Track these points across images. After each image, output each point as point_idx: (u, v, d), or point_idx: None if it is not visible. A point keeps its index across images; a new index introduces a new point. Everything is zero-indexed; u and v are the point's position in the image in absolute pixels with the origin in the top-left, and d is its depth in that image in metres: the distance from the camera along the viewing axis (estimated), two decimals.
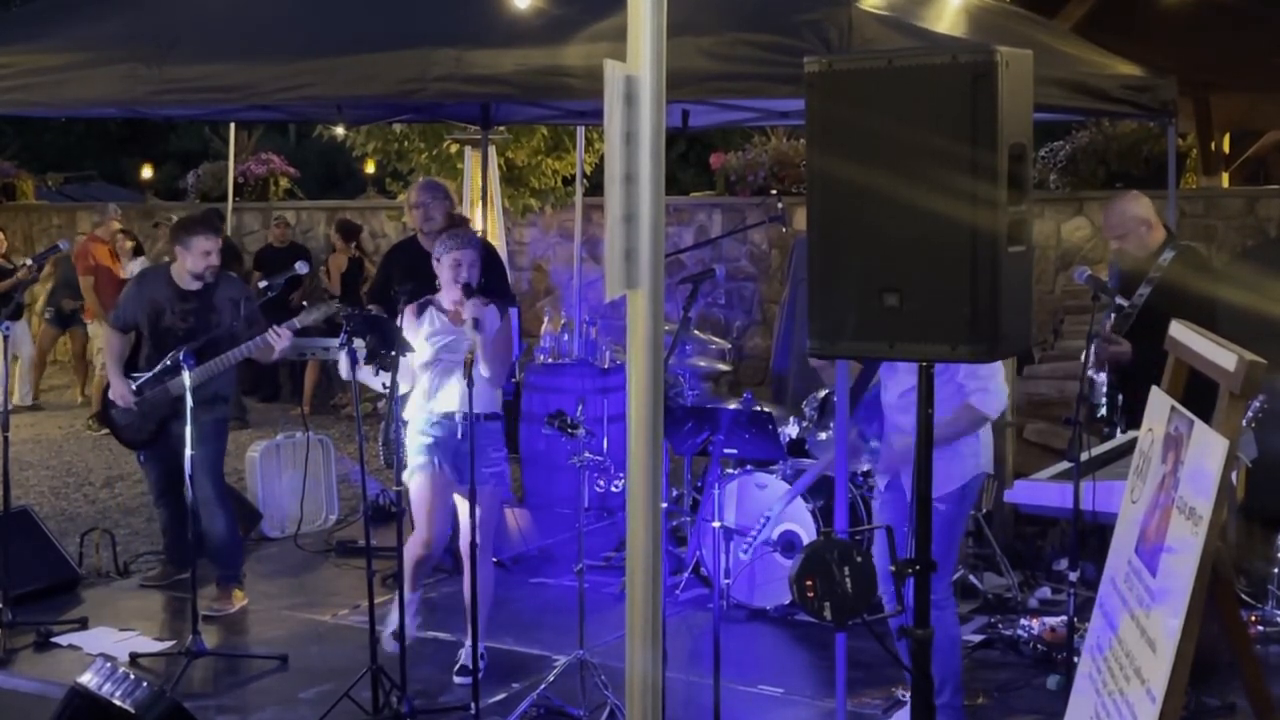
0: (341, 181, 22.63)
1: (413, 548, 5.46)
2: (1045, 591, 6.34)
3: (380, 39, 5.51)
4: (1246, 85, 11.76)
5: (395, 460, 5.07)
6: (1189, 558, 2.97)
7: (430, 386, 5.35)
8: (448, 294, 5.39)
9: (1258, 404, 5.20)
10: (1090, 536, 5.79)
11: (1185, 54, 9.50)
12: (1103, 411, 6.01)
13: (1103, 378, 5.67)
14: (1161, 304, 5.23)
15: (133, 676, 4.15)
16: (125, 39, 5.93)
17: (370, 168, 17.79)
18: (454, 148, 11.08)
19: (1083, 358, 5.39)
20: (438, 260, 5.39)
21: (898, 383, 4.72)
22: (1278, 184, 14.07)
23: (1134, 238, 5.56)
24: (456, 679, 5.39)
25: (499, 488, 5.47)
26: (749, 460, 6.30)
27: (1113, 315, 5.61)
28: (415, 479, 5.39)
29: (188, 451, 5.58)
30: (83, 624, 6.15)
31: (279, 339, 5.98)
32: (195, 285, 6.24)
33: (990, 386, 4.54)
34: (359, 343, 5.03)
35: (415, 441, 5.38)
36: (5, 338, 5.98)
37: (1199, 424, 3.15)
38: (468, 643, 5.38)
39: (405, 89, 5.51)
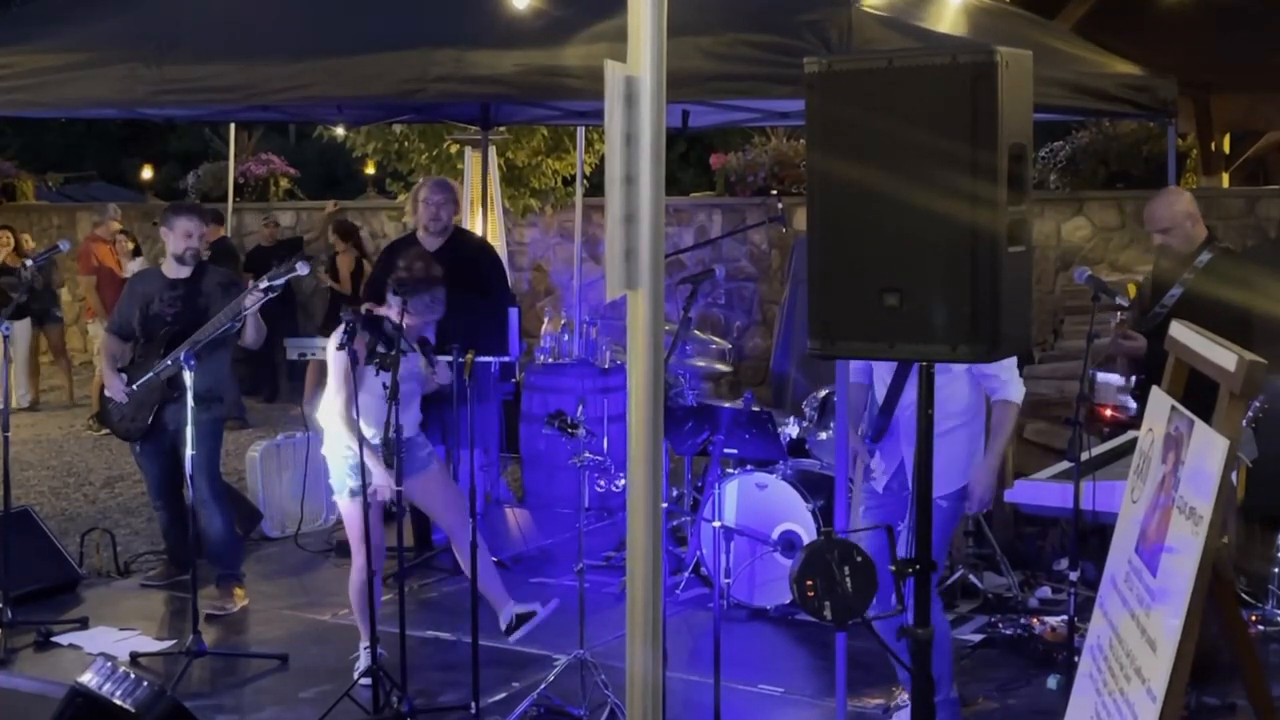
0: (341, 181, 22.65)
1: (355, 577, 5.34)
2: (1045, 591, 6.34)
3: (380, 39, 5.51)
4: (1246, 85, 11.76)
5: (396, 460, 5.06)
6: (1189, 558, 2.97)
7: (381, 412, 5.02)
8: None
9: (1258, 404, 5.20)
10: (1090, 536, 5.79)
11: (1185, 54, 9.51)
12: (1133, 408, 6.02)
13: (1116, 378, 5.67)
14: (1193, 306, 5.18)
15: (133, 676, 4.15)
16: (125, 39, 5.93)
17: (370, 168, 17.81)
18: (454, 148, 11.08)
19: (1113, 358, 5.40)
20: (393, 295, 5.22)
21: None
22: (1278, 184, 14.08)
23: (1180, 231, 5.50)
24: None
25: (439, 464, 5.53)
26: (749, 460, 6.30)
27: (1119, 315, 5.58)
28: (348, 505, 5.27)
29: (188, 452, 5.59)
30: (83, 624, 6.15)
31: (252, 295, 5.87)
32: (183, 273, 6.30)
33: (1008, 378, 4.72)
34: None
35: (343, 462, 5.23)
36: (5, 337, 5.98)
37: (1199, 424, 3.15)
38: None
39: (405, 89, 5.51)
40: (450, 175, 10.80)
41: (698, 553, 6.42)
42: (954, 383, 4.64)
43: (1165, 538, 3.18)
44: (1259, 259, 8.58)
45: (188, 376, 5.48)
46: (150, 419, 6.31)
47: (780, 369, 10.37)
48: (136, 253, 13.06)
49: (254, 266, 12.17)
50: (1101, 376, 6.72)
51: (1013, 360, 4.66)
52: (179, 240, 6.26)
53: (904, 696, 4.97)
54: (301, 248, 12.78)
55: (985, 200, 2.76)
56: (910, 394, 4.75)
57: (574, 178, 11.29)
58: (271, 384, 12.89)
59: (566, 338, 8.63)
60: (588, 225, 10.90)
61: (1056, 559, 6.57)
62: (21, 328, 12.06)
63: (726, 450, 5.94)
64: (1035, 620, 5.79)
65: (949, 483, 4.70)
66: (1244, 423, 4.19)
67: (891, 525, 3.32)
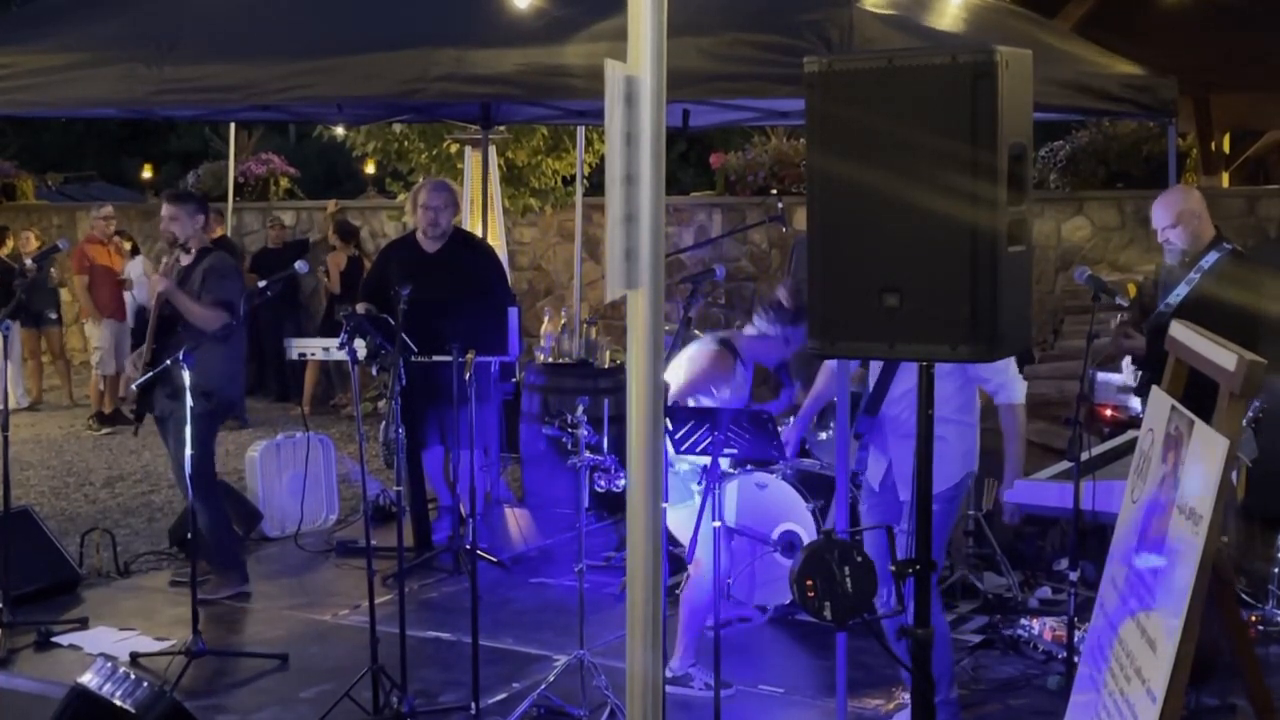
0: (341, 181, 22.65)
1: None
2: (1045, 591, 6.34)
3: (380, 39, 5.51)
4: (1246, 85, 11.78)
5: (396, 460, 5.06)
6: (1189, 558, 2.97)
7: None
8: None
9: (1258, 404, 5.20)
10: (1090, 536, 5.78)
11: (1185, 54, 9.52)
12: (1134, 408, 6.03)
13: (1117, 377, 5.67)
14: (1198, 307, 5.17)
15: (133, 676, 4.16)
16: (125, 39, 5.93)
17: (370, 168, 17.80)
18: (454, 148, 11.07)
19: (1114, 357, 5.40)
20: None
21: (902, 381, 4.73)
22: (1278, 184, 14.09)
23: (1186, 229, 5.47)
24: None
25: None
26: (749, 460, 6.30)
27: (1121, 316, 5.58)
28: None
29: (173, 443, 5.62)
30: (83, 624, 6.15)
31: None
32: (185, 260, 6.38)
33: (1005, 380, 4.77)
34: (359, 342, 5.04)
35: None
36: (5, 337, 5.98)
37: (1199, 424, 3.15)
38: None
39: (406, 89, 5.51)
40: (450, 175, 10.80)
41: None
42: (939, 382, 4.61)
43: (1165, 538, 3.18)
44: (1260, 259, 8.58)
45: (186, 376, 5.48)
46: (140, 399, 6.34)
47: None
48: (135, 252, 13.05)
49: (259, 268, 12.16)
50: (1101, 376, 6.72)
51: (1009, 361, 4.68)
52: (162, 224, 6.40)
53: (905, 696, 4.97)
54: (308, 249, 12.79)
55: (985, 200, 2.76)
56: (895, 393, 4.77)
57: (574, 177, 11.28)
58: (278, 384, 12.91)
59: (566, 338, 8.63)
60: (588, 225, 10.90)
61: (1056, 559, 6.57)
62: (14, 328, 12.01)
63: (726, 450, 5.94)
64: (1035, 620, 5.79)
65: (939, 481, 4.68)
66: (1244, 423, 4.19)
67: (892, 525, 3.32)
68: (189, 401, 5.50)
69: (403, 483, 5.31)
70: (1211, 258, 5.34)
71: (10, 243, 12.82)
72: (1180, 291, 5.38)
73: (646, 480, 2.13)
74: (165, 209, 6.40)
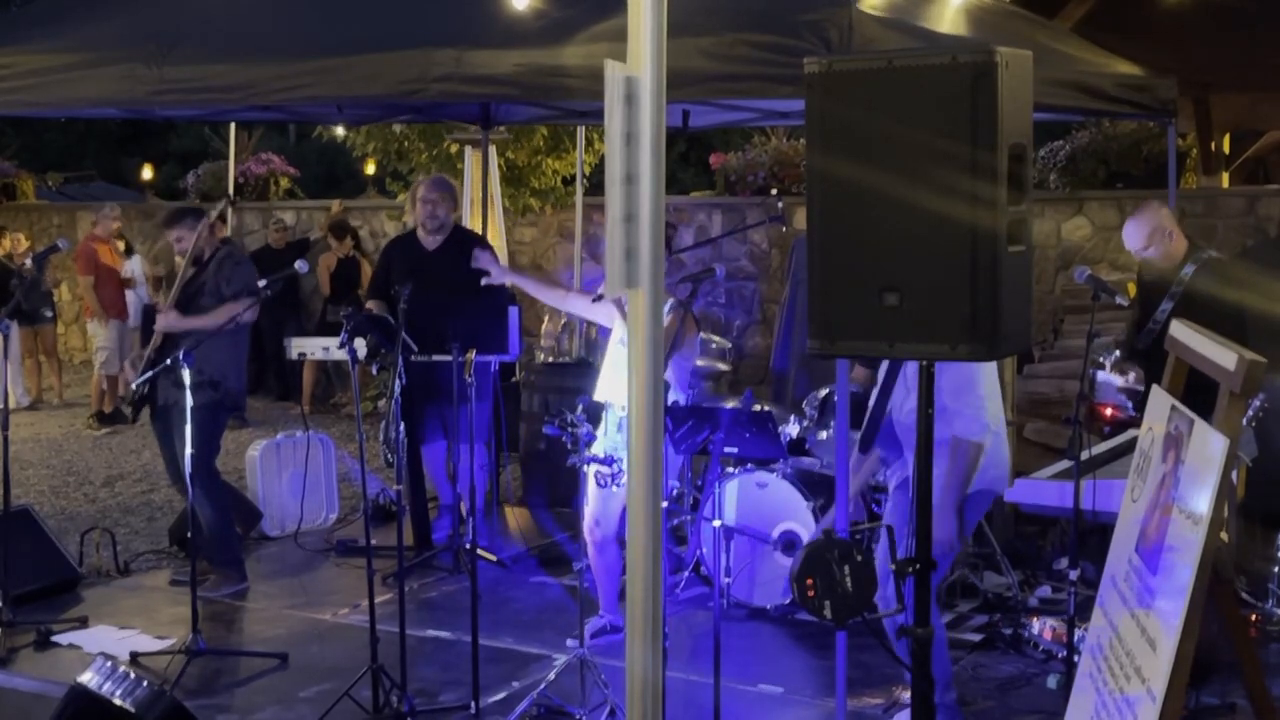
0: (341, 181, 22.66)
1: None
2: (1045, 591, 6.35)
3: (381, 39, 5.51)
4: (1246, 85, 11.76)
5: (396, 460, 5.06)
6: (1189, 557, 2.97)
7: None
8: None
9: (1258, 403, 5.20)
10: (1090, 536, 5.78)
11: (1185, 54, 9.51)
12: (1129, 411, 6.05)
13: (1117, 378, 5.69)
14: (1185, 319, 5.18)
15: (133, 675, 4.16)
16: (125, 39, 5.93)
17: (370, 168, 17.79)
18: (454, 148, 11.08)
19: (1105, 356, 5.42)
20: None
21: (910, 397, 4.73)
22: (1278, 184, 14.08)
23: (1158, 248, 5.51)
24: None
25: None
26: (749, 459, 6.30)
27: (1115, 354, 5.61)
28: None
29: (189, 449, 5.63)
30: (83, 623, 6.15)
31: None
32: (189, 272, 6.49)
33: (958, 408, 4.45)
34: (359, 342, 5.04)
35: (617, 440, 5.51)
36: (5, 337, 5.98)
37: (1199, 423, 3.15)
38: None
39: (406, 89, 5.51)
40: (450, 175, 10.79)
41: (698, 552, 6.42)
42: (911, 397, 4.59)
43: (1165, 537, 3.18)
44: (1259, 259, 8.58)
45: (186, 375, 5.50)
46: (142, 390, 6.37)
47: (780, 368, 10.37)
48: (129, 252, 13.05)
49: (259, 268, 12.16)
50: (1101, 376, 6.72)
51: (972, 389, 4.46)
52: (175, 250, 6.60)
53: (905, 696, 4.97)
54: (309, 249, 12.79)
55: (985, 200, 2.76)
56: (903, 409, 4.76)
57: (574, 177, 11.29)
58: (280, 383, 12.91)
59: (566, 338, 8.64)
60: (588, 225, 10.91)
61: (1056, 558, 6.58)
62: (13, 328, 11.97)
63: (726, 449, 5.94)
64: (1035, 619, 5.79)
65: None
66: (1244, 422, 4.19)
67: (892, 525, 3.33)
68: (189, 400, 5.52)
69: (403, 482, 5.31)
70: (1189, 270, 5.41)
71: (5, 242, 12.81)
72: (1165, 307, 5.44)
73: (646, 480, 2.13)
74: (168, 235, 6.57)
